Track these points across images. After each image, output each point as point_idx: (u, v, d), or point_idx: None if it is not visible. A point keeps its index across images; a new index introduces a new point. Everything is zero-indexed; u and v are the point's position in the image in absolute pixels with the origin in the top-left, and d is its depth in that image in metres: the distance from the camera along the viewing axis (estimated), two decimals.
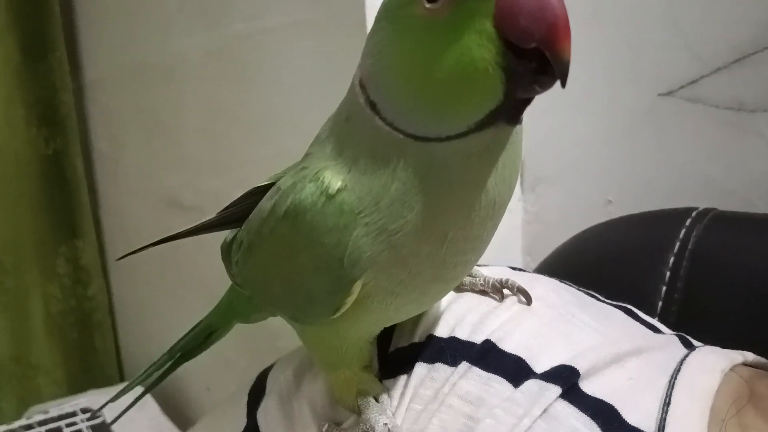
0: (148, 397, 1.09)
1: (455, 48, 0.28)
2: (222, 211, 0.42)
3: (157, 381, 0.54)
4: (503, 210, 0.35)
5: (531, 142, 0.74)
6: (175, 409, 1.09)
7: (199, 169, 0.96)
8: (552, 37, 0.27)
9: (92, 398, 1.06)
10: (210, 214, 1.04)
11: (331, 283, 0.34)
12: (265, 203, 0.37)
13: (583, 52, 0.69)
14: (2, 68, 1.14)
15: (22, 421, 1.00)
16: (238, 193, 0.42)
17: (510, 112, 0.30)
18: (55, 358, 1.23)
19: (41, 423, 0.99)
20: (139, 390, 0.56)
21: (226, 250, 0.44)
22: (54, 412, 1.01)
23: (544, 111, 0.73)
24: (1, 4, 1.12)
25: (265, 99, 0.80)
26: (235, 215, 0.42)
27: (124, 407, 0.57)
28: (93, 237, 1.25)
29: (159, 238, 0.46)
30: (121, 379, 1.28)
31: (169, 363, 0.53)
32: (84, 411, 1.01)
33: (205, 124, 0.92)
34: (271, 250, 0.37)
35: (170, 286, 1.11)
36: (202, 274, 1.00)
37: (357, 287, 0.34)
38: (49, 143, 1.19)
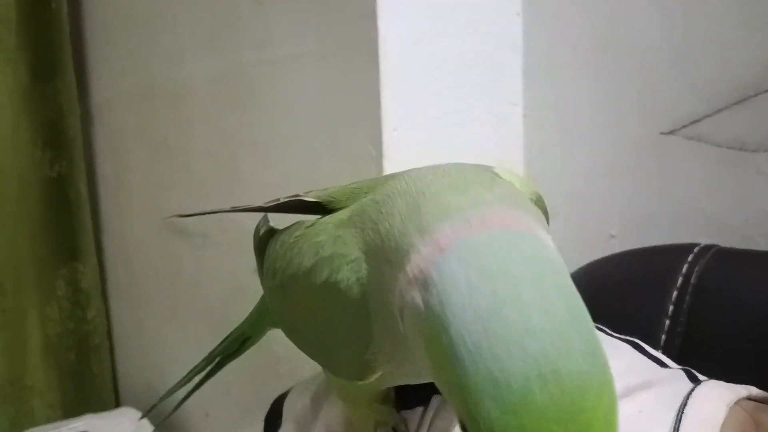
0: (145, 422, 1.08)
1: None
2: (265, 204, 0.44)
3: (197, 386, 0.56)
4: None
5: (537, 174, 0.76)
6: None
7: (205, 194, 0.97)
8: None
9: (89, 422, 1.05)
10: (214, 239, 1.04)
11: (357, 362, 0.35)
12: (306, 258, 0.36)
13: (589, 88, 0.71)
14: (11, 90, 1.15)
15: None
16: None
17: None
18: (50, 381, 1.23)
19: None
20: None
21: (259, 245, 0.46)
22: None
23: (549, 145, 0.75)
24: (11, 26, 1.14)
25: (271, 125, 0.81)
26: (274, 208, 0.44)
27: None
28: (94, 260, 1.25)
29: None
30: (117, 404, 1.28)
31: (209, 368, 0.55)
32: None
33: (212, 149, 0.93)
34: (306, 305, 0.38)
35: (169, 311, 1.11)
36: (202, 301, 1.00)
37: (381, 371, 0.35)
38: (54, 166, 1.20)
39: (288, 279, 0.38)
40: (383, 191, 0.34)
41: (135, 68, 1.10)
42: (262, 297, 0.51)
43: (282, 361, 0.83)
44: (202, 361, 0.55)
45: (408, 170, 0.36)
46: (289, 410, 0.48)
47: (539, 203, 0.37)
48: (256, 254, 0.47)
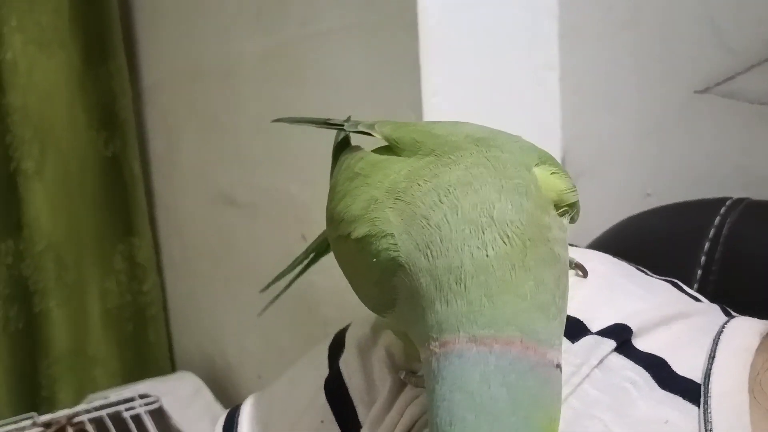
0: (201, 385, 1.14)
1: None
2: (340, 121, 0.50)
3: (297, 276, 0.60)
4: None
5: (572, 136, 0.78)
6: (228, 397, 1.14)
7: (254, 166, 1.01)
8: None
9: (150, 385, 1.11)
10: (264, 210, 1.08)
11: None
12: (355, 205, 0.40)
13: (623, 51, 0.73)
14: (65, 73, 1.21)
15: (84, 405, 1.06)
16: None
17: None
18: (111, 350, 1.29)
19: (101, 407, 1.04)
20: None
21: (334, 152, 0.50)
22: (113, 398, 1.07)
23: (584, 107, 0.77)
24: (64, 12, 1.19)
25: (319, 98, 0.85)
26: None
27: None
28: (149, 235, 1.30)
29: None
30: (173, 370, 1.34)
31: (306, 261, 0.59)
32: (142, 397, 1.07)
33: (261, 123, 0.97)
34: (344, 244, 0.41)
35: (222, 281, 1.16)
36: (253, 270, 1.05)
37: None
38: (109, 146, 1.26)
39: (336, 213, 0.42)
40: (444, 180, 0.36)
41: (184, 48, 1.14)
42: None
43: (330, 322, 0.87)
44: (300, 255, 0.59)
45: (471, 144, 0.38)
46: (351, 338, 0.51)
47: (574, 206, 0.39)
48: (332, 160, 0.51)
